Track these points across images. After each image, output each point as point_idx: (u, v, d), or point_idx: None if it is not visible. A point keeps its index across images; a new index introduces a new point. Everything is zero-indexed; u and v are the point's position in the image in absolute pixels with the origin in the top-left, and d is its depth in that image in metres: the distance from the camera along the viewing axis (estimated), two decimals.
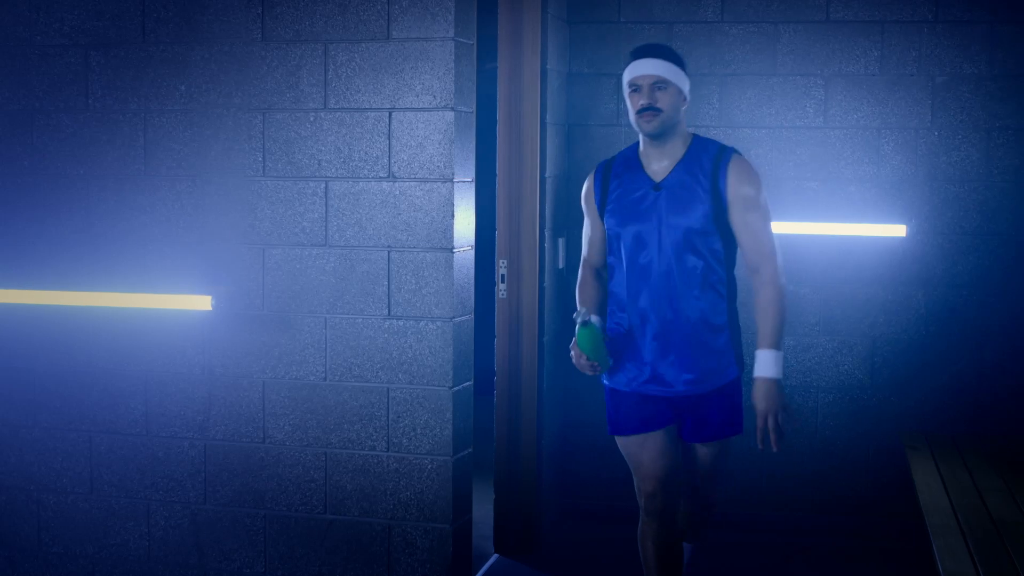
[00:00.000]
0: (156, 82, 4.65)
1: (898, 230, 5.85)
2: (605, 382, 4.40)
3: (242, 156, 4.58)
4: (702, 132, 5.83)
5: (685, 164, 4.19)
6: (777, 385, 4.09)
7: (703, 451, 4.43)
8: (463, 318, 4.52)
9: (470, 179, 4.54)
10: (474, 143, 4.59)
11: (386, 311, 4.48)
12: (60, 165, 4.77)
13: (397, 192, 4.44)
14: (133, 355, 4.76)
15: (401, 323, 4.46)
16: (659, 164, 4.23)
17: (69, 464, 4.88)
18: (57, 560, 4.90)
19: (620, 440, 4.34)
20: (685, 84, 4.20)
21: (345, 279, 4.51)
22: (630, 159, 4.30)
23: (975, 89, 5.80)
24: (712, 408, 4.28)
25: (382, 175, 4.45)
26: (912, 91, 5.84)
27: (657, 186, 4.21)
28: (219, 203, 4.62)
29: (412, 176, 4.42)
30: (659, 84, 4.14)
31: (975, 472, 4.94)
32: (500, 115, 5.53)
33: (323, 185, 4.51)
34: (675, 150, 4.22)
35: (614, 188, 4.26)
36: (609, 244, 4.30)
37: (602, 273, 4.44)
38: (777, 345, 4.10)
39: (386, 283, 4.47)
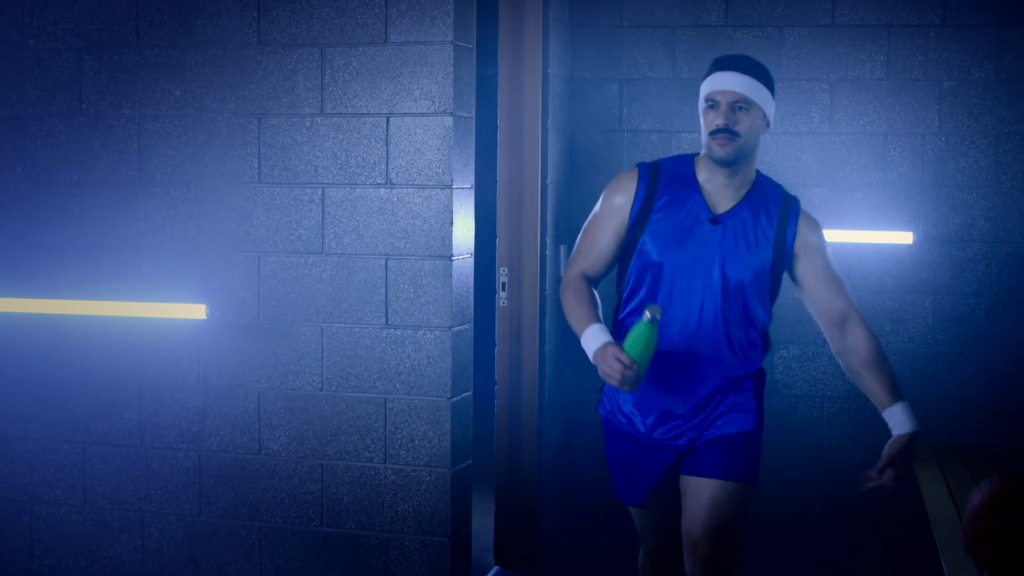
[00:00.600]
0: (150, 87, 4.62)
1: (905, 237, 5.81)
2: (601, 412, 3.93)
3: (237, 162, 4.55)
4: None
5: (750, 203, 3.70)
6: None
7: (703, 490, 3.73)
8: (462, 327, 4.47)
9: (469, 185, 4.49)
10: (473, 149, 4.55)
11: (384, 320, 4.44)
12: (53, 171, 4.73)
13: (395, 199, 4.41)
14: (127, 364, 4.72)
15: (399, 332, 4.41)
16: (721, 194, 3.70)
17: (62, 475, 4.82)
18: (49, 573, 4.86)
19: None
20: (770, 107, 3.68)
21: (342, 288, 4.47)
22: (683, 175, 3.75)
23: (983, 94, 5.77)
24: (722, 445, 3.73)
25: (380, 181, 4.42)
26: (919, 96, 5.80)
27: (716, 219, 3.67)
28: (214, 210, 4.58)
29: (410, 182, 4.39)
30: (740, 104, 3.61)
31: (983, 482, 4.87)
32: (501, 120, 5.49)
33: (320, 192, 4.48)
34: (742, 183, 3.70)
35: (662, 204, 3.72)
36: (634, 273, 3.73)
37: (595, 286, 3.84)
38: (902, 394, 3.68)
39: (383, 292, 4.43)
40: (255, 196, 4.54)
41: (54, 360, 4.78)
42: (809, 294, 3.71)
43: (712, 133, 3.64)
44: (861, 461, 5.96)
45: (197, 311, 4.49)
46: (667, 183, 3.72)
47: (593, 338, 3.63)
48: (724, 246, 3.66)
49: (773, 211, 3.70)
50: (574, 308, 3.73)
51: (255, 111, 4.51)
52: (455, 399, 4.43)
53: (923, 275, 5.86)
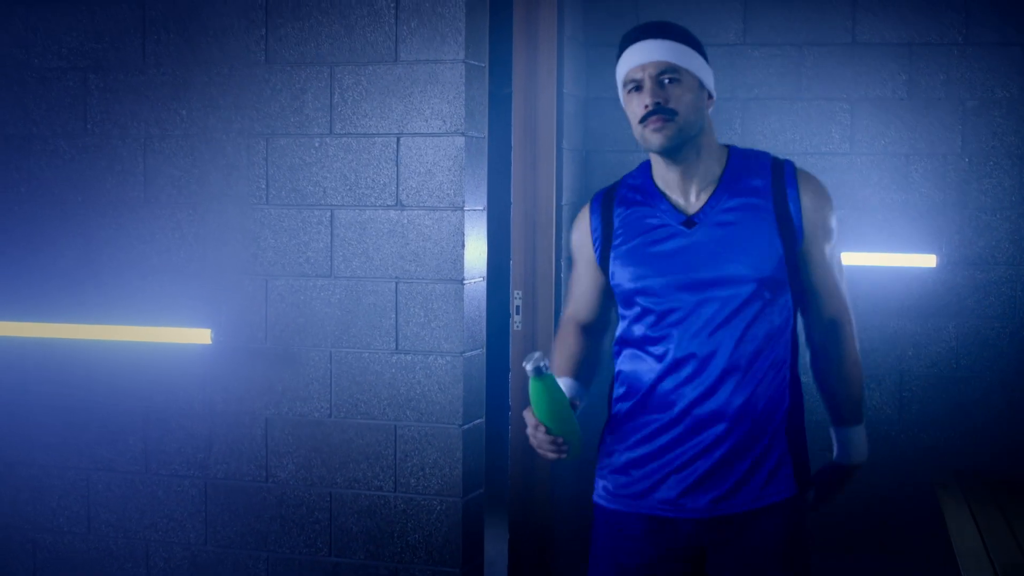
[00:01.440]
0: (156, 106, 4.58)
1: (928, 260, 5.75)
2: (598, 501, 3.20)
3: (244, 183, 4.50)
4: None
5: (728, 186, 3.03)
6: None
7: None
8: (474, 352, 4.39)
9: (482, 207, 4.43)
10: (486, 170, 4.50)
11: (393, 345, 4.37)
12: (58, 192, 4.68)
13: (405, 221, 4.36)
14: (132, 390, 4.66)
15: (409, 358, 4.34)
16: (687, 190, 3.06)
17: (66, 503, 4.76)
18: None
19: None
20: (708, 74, 3.03)
21: (351, 312, 4.41)
22: (643, 184, 3.13)
23: (1007, 114, 5.72)
24: (754, 536, 3.02)
25: (390, 203, 4.37)
26: (942, 116, 5.75)
27: (690, 220, 3.03)
28: (221, 232, 4.54)
29: (421, 204, 4.33)
30: (669, 75, 2.96)
31: (1010, 514, 4.78)
32: (515, 140, 5.44)
33: (328, 214, 4.43)
34: (707, 169, 3.04)
35: (621, 225, 3.10)
36: (630, 307, 3.12)
37: (593, 331, 3.28)
38: (862, 418, 3.22)
39: (393, 316, 4.37)
40: (262, 218, 4.50)
41: (58, 385, 4.72)
42: (811, 286, 3.08)
43: (643, 120, 2.97)
44: (883, 489, 5.86)
45: (202, 336, 4.44)
46: (624, 198, 3.12)
47: None
48: (712, 247, 2.99)
49: (762, 184, 3.02)
50: (553, 356, 3.24)
51: (263, 131, 4.47)
52: (467, 426, 4.36)
53: (946, 299, 5.80)
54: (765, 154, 3.10)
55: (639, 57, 3.01)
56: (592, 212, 3.17)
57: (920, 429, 5.86)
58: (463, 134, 4.27)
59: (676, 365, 3.01)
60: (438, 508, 4.38)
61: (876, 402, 5.89)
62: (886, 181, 5.83)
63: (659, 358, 3.03)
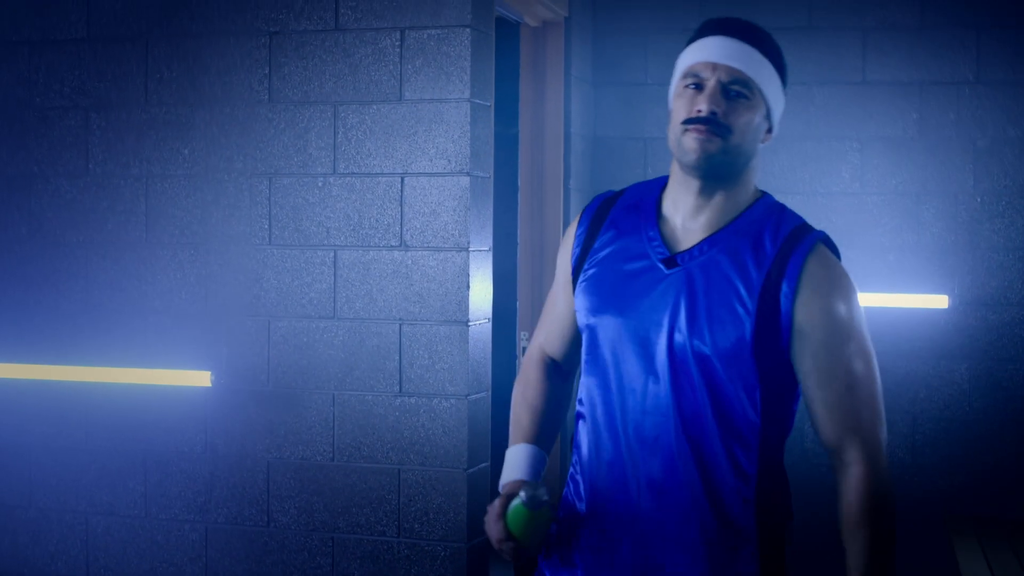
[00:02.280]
0: (158, 145, 4.55)
1: (940, 301, 5.70)
2: None
3: (247, 223, 4.46)
4: None
5: (731, 236, 2.54)
6: None
7: None
8: (479, 395, 4.34)
9: (487, 248, 4.38)
10: (491, 210, 4.46)
11: (397, 388, 4.32)
12: (59, 232, 4.65)
13: (409, 262, 4.32)
14: (132, 432, 4.61)
15: (413, 400, 4.28)
16: (690, 224, 2.58)
17: (64, 547, 4.70)
18: None
19: None
20: (779, 104, 2.58)
21: (354, 353, 4.36)
22: (643, 202, 2.67)
23: (1019, 153, 5.69)
24: None
25: (394, 244, 4.33)
26: (952, 155, 5.71)
27: (671, 259, 2.56)
28: (223, 273, 4.50)
29: (425, 245, 4.30)
30: (738, 86, 2.52)
31: None
32: (521, 181, 5.41)
33: (332, 254, 4.40)
34: (727, 205, 2.56)
35: (602, 242, 2.66)
36: (583, 340, 2.69)
37: (563, 372, 2.85)
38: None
39: (397, 358, 4.32)
40: (265, 259, 4.46)
41: (58, 427, 4.67)
42: (805, 394, 2.51)
43: (688, 121, 2.51)
44: (903, 542, 5.80)
45: (203, 378, 4.40)
46: (619, 214, 2.67)
47: (508, 465, 2.69)
48: (681, 301, 2.52)
49: (767, 249, 2.51)
50: (513, 406, 2.80)
51: (266, 171, 4.44)
52: (472, 470, 4.30)
53: (959, 340, 5.74)
54: (798, 218, 2.57)
55: (713, 53, 2.53)
56: (581, 222, 2.71)
57: (933, 472, 5.78)
58: (468, 174, 4.24)
59: (614, 436, 2.59)
60: (442, 554, 4.31)
61: (888, 445, 5.82)
62: (897, 221, 5.78)
63: (598, 422, 2.62)
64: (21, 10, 4.67)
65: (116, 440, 4.63)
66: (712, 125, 2.48)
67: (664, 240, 2.58)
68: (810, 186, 5.85)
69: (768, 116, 2.56)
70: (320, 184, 4.39)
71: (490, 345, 4.45)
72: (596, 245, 2.64)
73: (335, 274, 4.39)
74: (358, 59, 4.34)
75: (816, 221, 5.82)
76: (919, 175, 5.77)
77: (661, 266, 2.55)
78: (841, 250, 5.86)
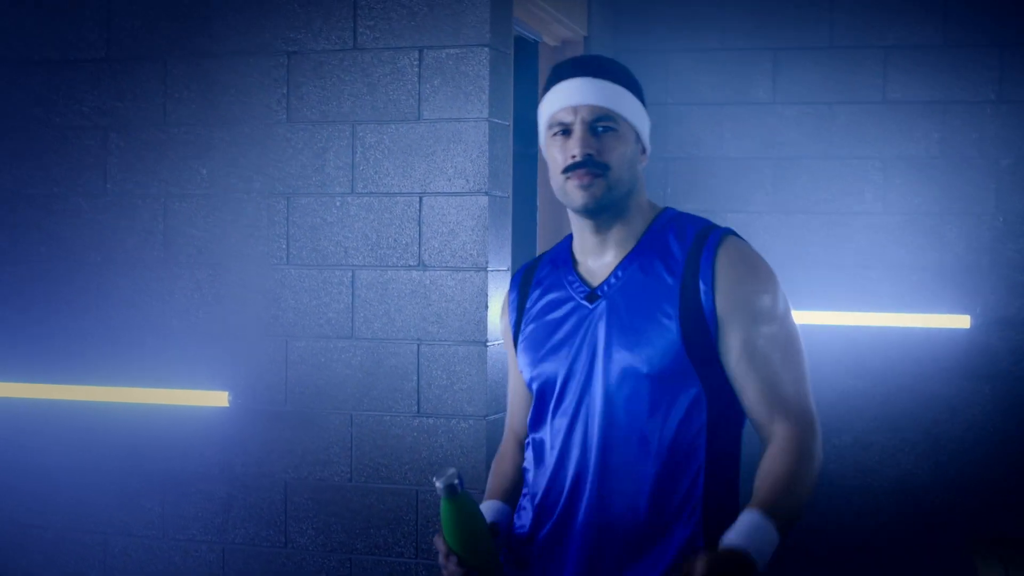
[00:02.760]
0: (176, 165, 4.55)
1: (962, 321, 5.67)
2: None
3: (265, 243, 4.46)
4: (753, 221, 5.64)
5: (641, 254, 2.62)
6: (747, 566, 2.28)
7: None
8: (497, 416, 4.32)
9: (506, 268, 4.38)
10: (510, 230, 4.45)
11: (415, 408, 4.31)
12: (78, 252, 4.66)
13: (427, 282, 4.31)
14: (149, 452, 4.60)
15: (431, 421, 4.28)
16: (599, 256, 2.67)
17: (82, 568, 4.69)
18: None
19: None
20: (645, 125, 2.66)
21: (372, 374, 4.35)
22: (559, 257, 2.76)
23: None
24: None
25: (412, 263, 4.33)
26: (975, 175, 5.69)
27: (592, 294, 2.63)
28: (240, 293, 4.50)
29: (443, 265, 4.29)
30: (603, 122, 2.59)
31: None
32: (540, 201, 5.39)
33: (350, 274, 4.39)
34: (628, 231, 2.64)
35: (532, 301, 2.74)
36: (532, 400, 2.75)
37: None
38: (772, 513, 2.35)
39: (415, 378, 4.31)
40: (283, 278, 4.45)
41: (75, 447, 4.66)
42: (734, 381, 2.54)
43: (567, 170, 2.57)
44: (917, 557, 5.75)
45: (220, 398, 4.39)
46: (542, 274, 2.75)
47: None
48: (610, 328, 2.58)
49: (676, 254, 2.58)
50: (488, 484, 2.85)
51: (283, 191, 4.44)
52: None
53: (981, 360, 5.70)
54: (702, 220, 2.64)
55: (571, 97, 2.59)
56: (511, 290, 2.80)
57: (956, 494, 5.74)
58: (487, 193, 4.24)
59: (562, 478, 2.62)
60: None
61: (910, 466, 5.79)
62: (919, 241, 5.75)
63: (549, 465, 2.64)
64: (39, 29, 4.68)
65: (134, 460, 4.62)
66: (590, 167, 2.56)
67: (582, 279, 2.66)
68: (832, 206, 5.84)
69: (638, 139, 2.64)
70: (338, 204, 4.39)
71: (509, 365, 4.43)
72: (528, 305, 2.73)
73: (353, 294, 4.38)
74: (376, 78, 4.34)
75: (838, 242, 5.80)
76: (941, 195, 5.74)
77: (584, 303, 2.63)
78: (863, 270, 5.87)
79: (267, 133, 4.46)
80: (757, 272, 2.54)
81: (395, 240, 4.34)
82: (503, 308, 2.83)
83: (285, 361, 4.45)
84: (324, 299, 4.41)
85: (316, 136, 4.41)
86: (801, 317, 5.62)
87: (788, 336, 2.53)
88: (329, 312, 4.41)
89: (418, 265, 4.32)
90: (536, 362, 2.66)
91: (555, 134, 2.62)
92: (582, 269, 2.68)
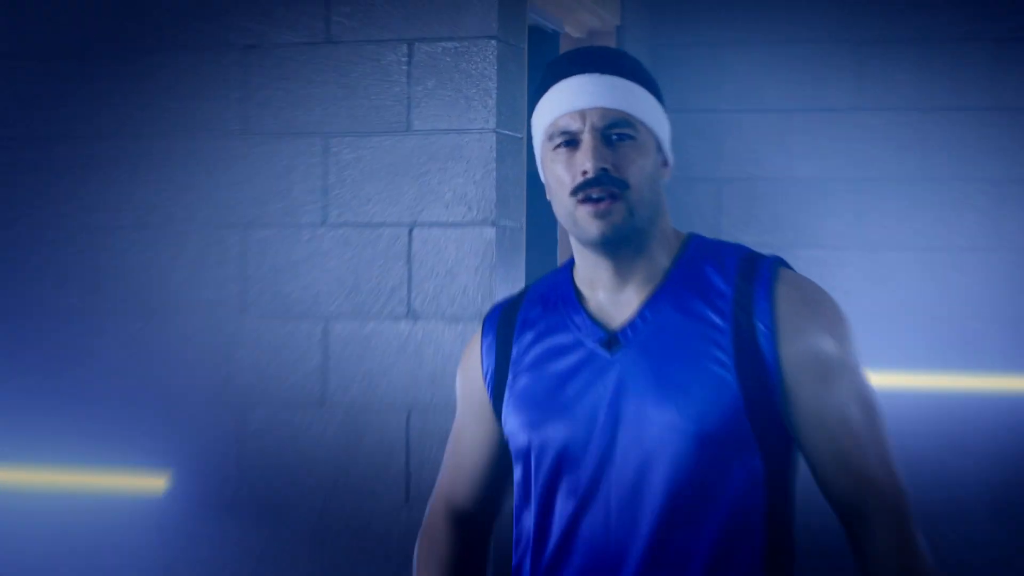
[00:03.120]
0: (103, 189, 4.58)
1: None
2: None
3: (215, 287, 4.46)
4: (829, 258, 5.67)
5: (673, 287, 2.55)
6: None
7: None
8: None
9: None
10: (524, 269, 4.45)
11: (403, 495, 4.30)
12: None
13: (419, 335, 4.30)
14: (71, 548, 4.57)
15: (424, 511, 4.19)
16: (617, 295, 2.58)
17: None
18: None
19: None
20: (666, 131, 2.60)
21: (350, 451, 4.34)
22: (556, 290, 2.67)
23: None
24: None
25: (399, 312, 4.31)
26: None
27: (611, 339, 2.54)
28: (184, 349, 4.49)
29: (439, 313, 4.28)
30: (619, 128, 2.51)
31: None
32: (561, 232, 5.37)
33: (321, 326, 4.39)
34: (651, 263, 2.56)
35: (522, 348, 2.65)
36: (518, 471, 2.65)
37: (477, 524, 2.80)
38: None
39: (404, 458, 4.30)
40: (237, 332, 4.46)
41: None
42: (806, 450, 2.50)
43: (577, 190, 2.47)
44: None
45: (157, 482, 4.41)
46: (530, 314, 2.66)
47: None
48: (639, 380, 2.50)
49: (721, 288, 2.52)
50: (416, 572, 2.78)
51: (238, 220, 4.45)
52: None
53: None
54: (738, 247, 2.59)
55: (577, 99, 2.52)
56: (486, 333, 2.68)
57: None
58: (493, 224, 4.24)
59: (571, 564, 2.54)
60: None
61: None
62: None
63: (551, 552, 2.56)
64: None
65: (50, 559, 4.58)
66: (606, 186, 2.45)
67: (595, 321, 2.56)
68: (927, 240, 5.87)
69: (660, 148, 2.56)
70: (306, 237, 4.39)
71: None
72: (515, 353, 2.63)
73: (326, 350, 4.38)
74: (355, 79, 4.35)
75: (933, 284, 5.87)
76: None
77: (602, 351, 2.52)
78: (967, 321, 5.81)
79: (217, 148, 4.47)
80: (826, 312, 2.47)
81: (378, 283, 4.33)
82: (467, 356, 2.71)
83: (240, 435, 4.45)
84: (289, 357, 4.41)
85: (279, 152, 4.42)
86: (889, 378, 5.57)
87: (866, 393, 2.46)
88: (295, 374, 4.40)
89: (407, 314, 4.31)
90: (534, 425, 2.53)
91: (557, 146, 2.50)
92: (593, 308, 2.56)
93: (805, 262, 5.81)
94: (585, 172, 2.43)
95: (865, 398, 2.45)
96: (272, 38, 4.39)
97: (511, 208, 4.33)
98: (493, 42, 4.21)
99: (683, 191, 6.00)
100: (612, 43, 5.56)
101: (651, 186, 2.50)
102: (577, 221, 2.46)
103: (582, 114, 2.47)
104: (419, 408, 4.29)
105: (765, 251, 2.52)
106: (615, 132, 2.47)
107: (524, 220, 4.47)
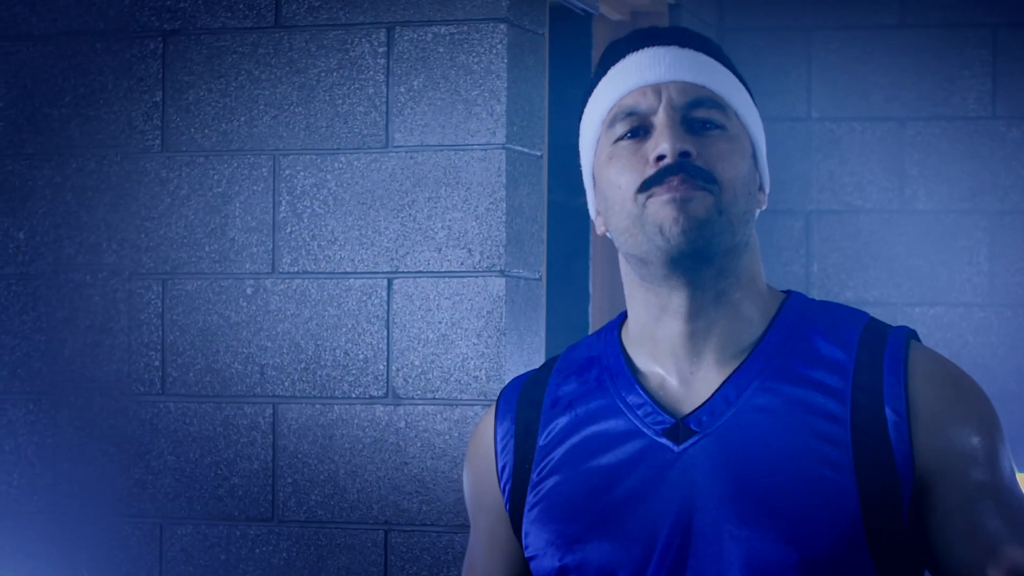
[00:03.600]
0: None
1: None
2: None
3: (125, 358, 4.45)
4: (957, 318, 5.62)
5: (768, 359, 2.44)
6: None
7: None
8: None
9: None
10: (543, 334, 4.49)
11: None
12: None
13: (402, 424, 4.32)
14: None
15: None
16: (688, 361, 2.46)
17: None
18: None
19: None
20: (760, 133, 2.51)
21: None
22: (599, 360, 2.56)
23: None
24: None
25: (376, 392, 4.35)
26: None
27: (680, 427, 2.41)
28: (85, 442, 4.50)
29: (429, 395, 4.31)
30: (704, 109, 2.41)
31: None
32: (595, 281, 5.44)
33: (269, 410, 4.42)
34: (740, 317, 2.46)
35: (551, 442, 2.52)
36: None
37: None
38: None
39: None
40: (157, 418, 4.48)
41: None
42: (943, 565, 2.40)
43: (648, 184, 2.34)
44: None
45: None
46: (562, 390, 2.54)
47: None
48: (718, 486, 2.40)
49: (839, 360, 2.42)
50: None
51: (157, 267, 4.50)
52: None
53: None
54: (859, 313, 2.47)
55: (650, 71, 2.41)
56: (500, 418, 2.55)
57: None
58: (503, 273, 4.26)
59: None
60: None
61: None
62: None
63: None
64: None
65: None
66: (691, 173, 2.32)
67: (656, 401, 2.41)
68: None
69: (755, 156, 2.44)
70: (249, 291, 4.43)
71: None
72: (541, 444, 2.48)
73: (274, 445, 4.41)
74: (314, 76, 4.39)
75: None
76: None
77: (666, 442, 2.37)
78: None
79: (130, 170, 4.51)
80: (972, 401, 2.36)
81: (346, 353, 4.35)
82: (475, 451, 2.58)
83: (160, 557, 4.45)
84: (227, 453, 4.43)
85: (213, 174, 4.45)
86: None
87: (1016, 496, 2.35)
88: (235, 475, 4.41)
89: (386, 395, 4.34)
90: (568, 541, 2.40)
91: (620, 139, 2.36)
92: (653, 382, 2.43)
93: (924, 324, 5.82)
94: (661, 158, 2.31)
95: (1019, 514, 2.32)
96: (202, 21, 4.42)
97: (527, 251, 4.35)
98: (502, 26, 4.23)
99: (757, 227, 5.84)
100: (662, 24, 5.55)
101: (746, 198, 2.38)
102: (646, 222, 2.32)
103: (656, 89, 2.37)
104: (400, 524, 4.30)
105: (896, 315, 2.40)
106: (700, 114, 2.36)
107: (544, 268, 4.49)
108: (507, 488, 2.49)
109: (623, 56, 2.41)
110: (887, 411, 2.31)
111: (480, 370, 4.22)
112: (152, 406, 4.45)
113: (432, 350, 4.26)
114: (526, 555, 2.47)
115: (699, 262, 2.34)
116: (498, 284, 4.22)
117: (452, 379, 4.25)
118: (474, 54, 4.20)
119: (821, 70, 6.00)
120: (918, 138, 5.95)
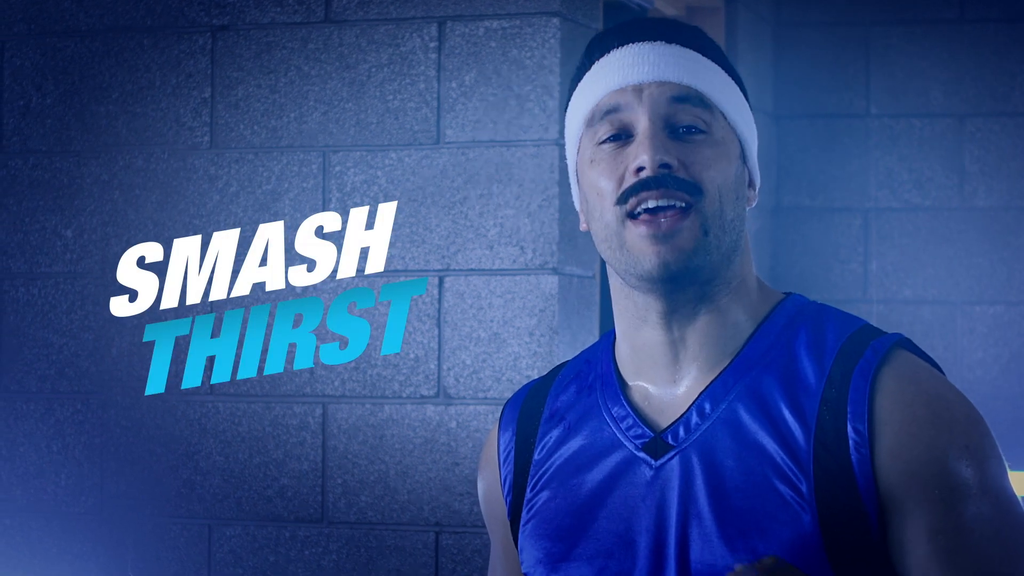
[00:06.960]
0: (18, 223, 4.73)
1: None
2: None
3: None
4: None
5: (748, 369, 2.41)
6: None
7: None
8: None
9: None
10: (598, 332, 4.45)
11: None
12: None
13: (452, 424, 4.34)
14: None
15: None
16: (670, 369, 2.43)
17: None
18: None
19: None
20: (751, 131, 2.46)
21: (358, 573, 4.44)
22: (591, 361, 2.56)
23: None
24: None
25: (426, 392, 4.37)
26: None
27: (659, 441, 2.40)
28: (132, 444, 4.52)
29: (480, 395, 4.33)
30: (688, 104, 2.36)
31: None
32: None
33: (319, 410, 4.43)
34: (725, 323, 2.42)
35: (544, 455, 2.52)
36: None
37: None
38: None
39: None
40: (205, 419, 4.49)
41: None
42: None
43: (627, 195, 2.30)
44: None
45: None
46: (562, 400, 2.52)
47: None
48: (688, 503, 2.38)
49: (809, 378, 2.38)
50: None
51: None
52: None
53: None
54: (852, 321, 2.43)
55: (632, 71, 2.35)
56: (503, 428, 2.53)
57: None
58: (556, 271, 4.27)
59: None
60: None
61: None
62: None
63: None
64: None
65: None
66: (671, 189, 2.26)
67: (639, 414, 2.38)
68: None
69: (743, 156, 2.38)
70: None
71: None
72: (538, 456, 2.46)
73: (323, 445, 4.40)
74: (364, 72, 4.41)
75: None
76: None
77: (645, 456, 2.34)
78: None
79: (178, 167, 4.53)
80: (951, 414, 2.30)
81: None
82: (483, 460, 2.57)
83: (208, 558, 4.50)
84: (276, 454, 4.46)
85: (262, 171, 4.46)
86: None
87: (1008, 521, 2.29)
88: (284, 476, 4.44)
89: (437, 395, 4.36)
90: (557, 560, 2.40)
91: (602, 142, 2.30)
92: (637, 396, 2.39)
93: (983, 323, 5.79)
94: (640, 169, 2.24)
95: (1010, 528, 2.29)
96: (251, 17, 4.45)
97: (580, 249, 4.36)
98: (555, 20, 4.24)
99: (817, 221, 5.98)
100: (720, 21, 5.61)
101: (733, 203, 2.32)
102: (625, 245, 2.29)
103: (638, 90, 2.31)
104: (452, 527, 4.32)
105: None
106: (684, 121, 2.29)
107: (597, 266, 4.47)
108: (508, 500, 2.49)
109: (607, 51, 2.35)
110: (849, 429, 2.27)
111: (532, 369, 4.23)
112: (201, 406, 4.48)
113: (484, 349, 4.29)
114: (523, 570, 2.47)
115: (681, 283, 2.32)
116: (551, 282, 4.23)
117: (504, 379, 4.28)
118: (526, 49, 4.20)
119: (880, 66, 5.97)
120: (978, 134, 5.91)
